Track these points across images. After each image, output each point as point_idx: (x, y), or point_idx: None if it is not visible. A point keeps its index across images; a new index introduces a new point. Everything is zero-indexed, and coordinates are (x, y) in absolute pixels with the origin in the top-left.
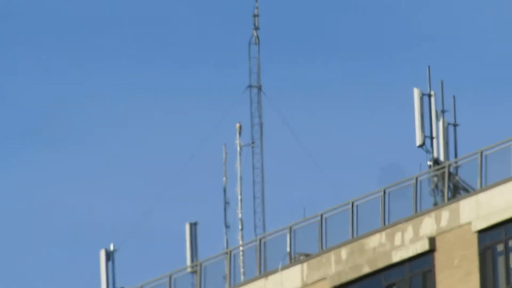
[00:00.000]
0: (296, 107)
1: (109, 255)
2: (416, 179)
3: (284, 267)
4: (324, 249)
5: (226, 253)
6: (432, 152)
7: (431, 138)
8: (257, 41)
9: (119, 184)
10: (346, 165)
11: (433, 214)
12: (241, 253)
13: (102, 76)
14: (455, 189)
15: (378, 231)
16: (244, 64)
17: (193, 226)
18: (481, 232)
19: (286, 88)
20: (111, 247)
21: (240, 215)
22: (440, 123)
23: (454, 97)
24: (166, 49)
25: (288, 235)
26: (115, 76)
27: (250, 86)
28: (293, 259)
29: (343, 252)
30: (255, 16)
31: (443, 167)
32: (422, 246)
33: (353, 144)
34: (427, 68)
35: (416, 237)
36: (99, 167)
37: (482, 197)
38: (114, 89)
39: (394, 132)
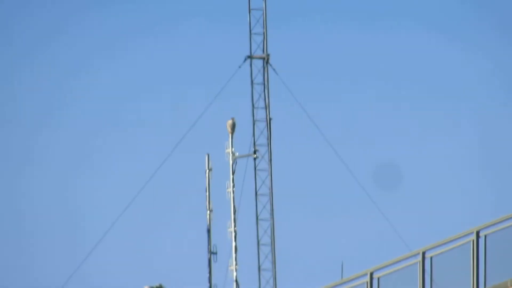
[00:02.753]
0: (327, 91)
1: None
2: None
3: None
4: None
5: None
6: None
7: None
8: None
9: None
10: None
11: None
12: None
13: None
14: None
15: None
16: (241, 19)
17: None
18: None
19: (308, 61)
20: None
21: (235, 274)
22: None
23: None
24: None
25: None
26: None
27: (250, 57)
28: None
29: None
30: None
31: None
32: None
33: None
34: None
35: None
36: None
37: None
38: None
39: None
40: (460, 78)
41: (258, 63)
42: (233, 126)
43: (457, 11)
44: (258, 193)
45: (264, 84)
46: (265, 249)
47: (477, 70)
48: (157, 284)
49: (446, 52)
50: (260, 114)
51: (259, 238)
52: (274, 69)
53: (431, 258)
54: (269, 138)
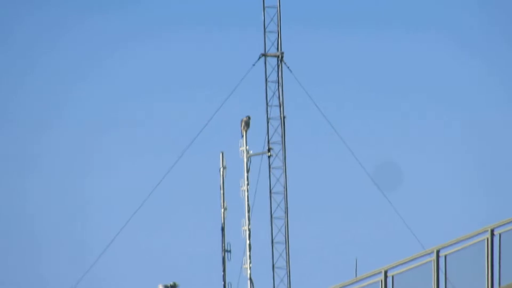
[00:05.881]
0: (341, 89)
1: None
2: None
3: None
4: None
5: None
6: None
7: None
8: None
9: None
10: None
11: None
12: None
13: None
14: None
15: None
16: (255, 17)
17: None
18: None
19: (322, 59)
20: None
21: (249, 272)
22: None
23: None
24: None
25: None
26: None
27: (264, 55)
28: None
29: None
30: None
31: None
32: None
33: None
34: None
35: None
36: None
37: None
38: None
39: None
40: (464, 80)
41: (272, 61)
42: (248, 124)
43: (472, 22)
44: (272, 191)
45: (278, 82)
46: (279, 247)
47: (482, 73)
48: (171, 283)
49: (451, 57)
50: (274, 112)
51: (273, 236)
52: (288, 67)
53: (445, 256)
54: (283, 136)
